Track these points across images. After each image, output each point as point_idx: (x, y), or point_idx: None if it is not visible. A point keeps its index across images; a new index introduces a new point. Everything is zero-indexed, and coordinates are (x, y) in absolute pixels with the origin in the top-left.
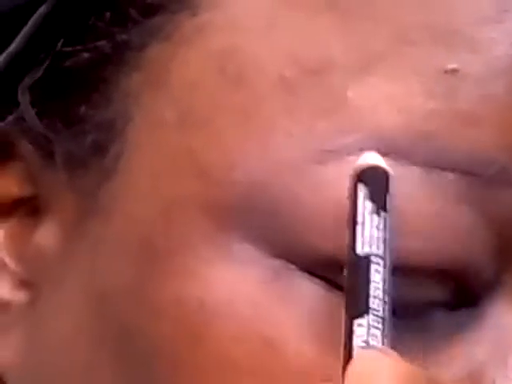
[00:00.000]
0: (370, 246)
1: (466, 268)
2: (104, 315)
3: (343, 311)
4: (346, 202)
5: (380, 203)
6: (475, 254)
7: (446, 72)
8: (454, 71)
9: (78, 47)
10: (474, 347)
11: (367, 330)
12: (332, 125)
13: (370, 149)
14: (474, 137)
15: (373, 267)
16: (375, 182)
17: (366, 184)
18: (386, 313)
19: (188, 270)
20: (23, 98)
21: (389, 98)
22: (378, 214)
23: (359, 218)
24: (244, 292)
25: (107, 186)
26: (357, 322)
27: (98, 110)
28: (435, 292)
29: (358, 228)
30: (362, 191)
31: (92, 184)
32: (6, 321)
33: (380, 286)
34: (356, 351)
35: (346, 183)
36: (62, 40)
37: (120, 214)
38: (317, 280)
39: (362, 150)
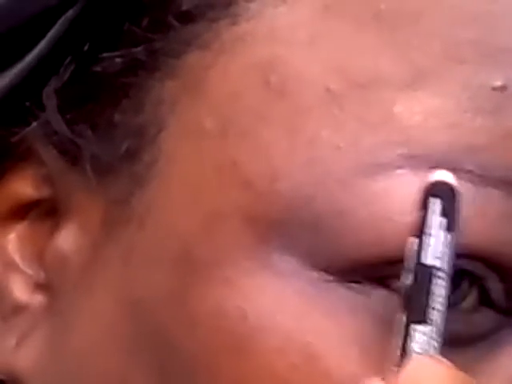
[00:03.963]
0: (436, 260)
1: None
2: (140, 325)
3: (402, 315)
4: (394, 215)
5: (450, 220)
6: None
7: (493, 89)
8: (502, 88)
9: (114, 53)
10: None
11: (424, 338)
12: (380, 139)
13: (417, 163)
14: None
15: (436, 281)
16: (448, 198)
17: (439, 199)
18: (443, 327)
19: (229, 281)
20: (49, 102)
21: (437, 113)
22: (447, 230)
23: (428, 230)
24: (286, 304)
25: (140, 194)
26: (415, 327)
27: (128, 116)
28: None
29: (427, 239)
30: (434, 205)
31: (123, 190)
32: (25, 324)
33: (442, 300)
34: (413, 355)
35: (394, 197)
36: (89, 44)
37: (156, 222)
38: (353, 292)
39: (410, 164)
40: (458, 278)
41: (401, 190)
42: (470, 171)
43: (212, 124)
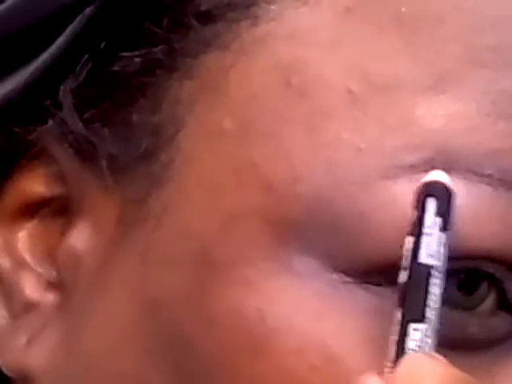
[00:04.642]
0: (433, 259)
1: None
2: (157, 324)
3: (397, 312)
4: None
5: (446, 220)
6: None
7: None
8: None
9: (133, 52)
10: None
11: (421, 336)
12: (401, 141)
13: (439, 166)
14: None
15: (432, 280)
16: (443, 198)
17: (435, 198)
18: (438, 325)
19: (247, 281)
20: (65, 101)
21: (457, 117)
22: (443, 230)
23: (426, 230)
24: (304, 305)
25: (157, 194)
26: (413, 326)
27: (145, 116)
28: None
29: (424, 239)
30: (431, 204)
31: (139, 190)
32: (36, 322)
33: (437, 299)
34: (408, 352)
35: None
36: (106, 43)
37: (173, 222)
38: (371, 294)
39: (431, 167)
40: (477, 280)
41: None
42: (489, 175)
43: (231, 124)
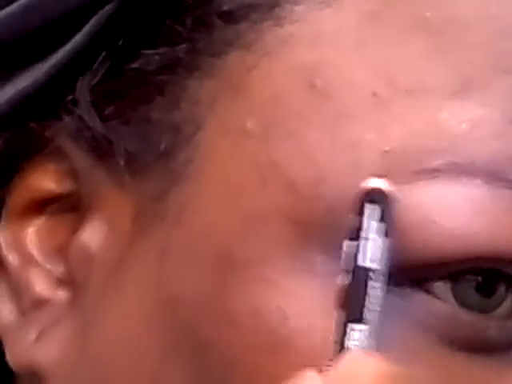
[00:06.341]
0: (373, 263)
1: None
2: (175, 323)
3: (340, 313)
4: (437, 220)
5: (386, 226)
6: None
7: None
8: None
9: (154, 50)
10: None
11: (360, 336)
12: (424, 145)
13: (461, 171)
14: None
15: (372, 283)
16: (384, 204)
17: (374, 204)
18: (377, 327)
19: (269, 280)
20: (83, 97)
21: (482, 123)
22: (384, 235)
23: (366, 235)
24: (326, 304)
25: (175, 191)
26: (352, 326)
27: (163, 114)
28: None
29: (363, 243)
30: (369, 210)
31: (157, 187)
32: (45, 319)
33: (377, 301)
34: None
35: (436, 203)
36: (126, 40)
37: (193, 220)
38: (392, 295)
39: (454, 171)
40: (494, 283)
41: (443, 197)
42: None
43: (254, 125)
